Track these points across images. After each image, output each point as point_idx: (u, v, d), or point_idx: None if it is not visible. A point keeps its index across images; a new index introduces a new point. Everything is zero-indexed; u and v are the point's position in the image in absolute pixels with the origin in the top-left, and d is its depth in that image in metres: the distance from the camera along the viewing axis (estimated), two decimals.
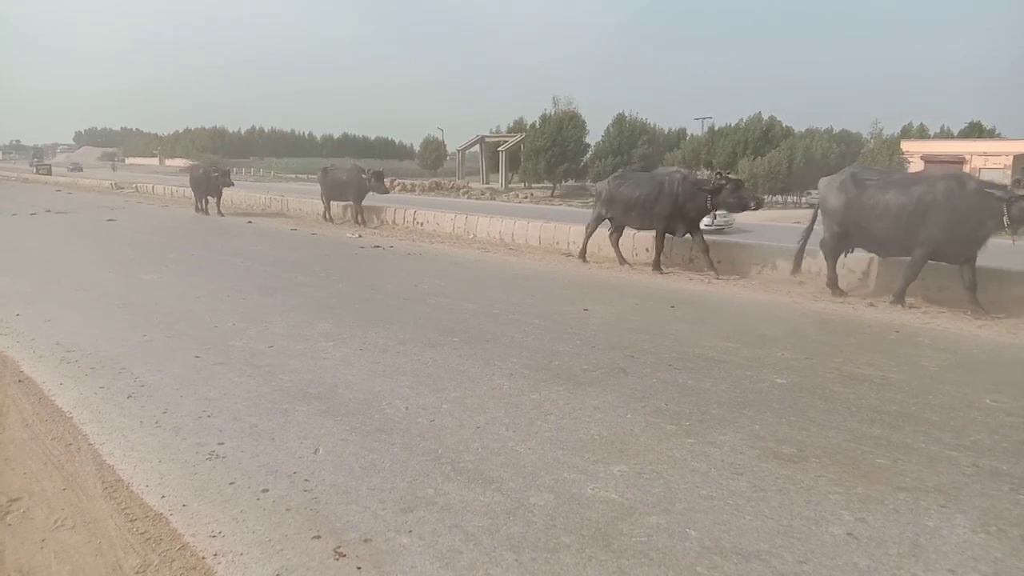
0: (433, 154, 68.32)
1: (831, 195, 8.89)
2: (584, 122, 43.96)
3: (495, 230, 14.94)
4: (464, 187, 44.54)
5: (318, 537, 3.12)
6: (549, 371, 5.54)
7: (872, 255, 9.10)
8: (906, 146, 40.74)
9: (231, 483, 3.64)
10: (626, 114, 42.12)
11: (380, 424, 4.43)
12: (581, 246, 12.14)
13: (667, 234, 10.84)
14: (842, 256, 9.21)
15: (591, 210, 12.99)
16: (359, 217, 17.70)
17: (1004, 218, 7.46)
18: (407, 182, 45.70)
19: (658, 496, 3.49)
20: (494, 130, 53.84)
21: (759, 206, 10.94)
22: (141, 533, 3.18)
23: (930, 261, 8.55)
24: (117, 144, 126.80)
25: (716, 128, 43.12)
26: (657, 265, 10.89)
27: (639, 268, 11.21)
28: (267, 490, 3.56)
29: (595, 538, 3.10)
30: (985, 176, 22.55)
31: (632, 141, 40.45)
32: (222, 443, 4.13)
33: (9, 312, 7.48)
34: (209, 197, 20.39)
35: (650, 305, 8.41)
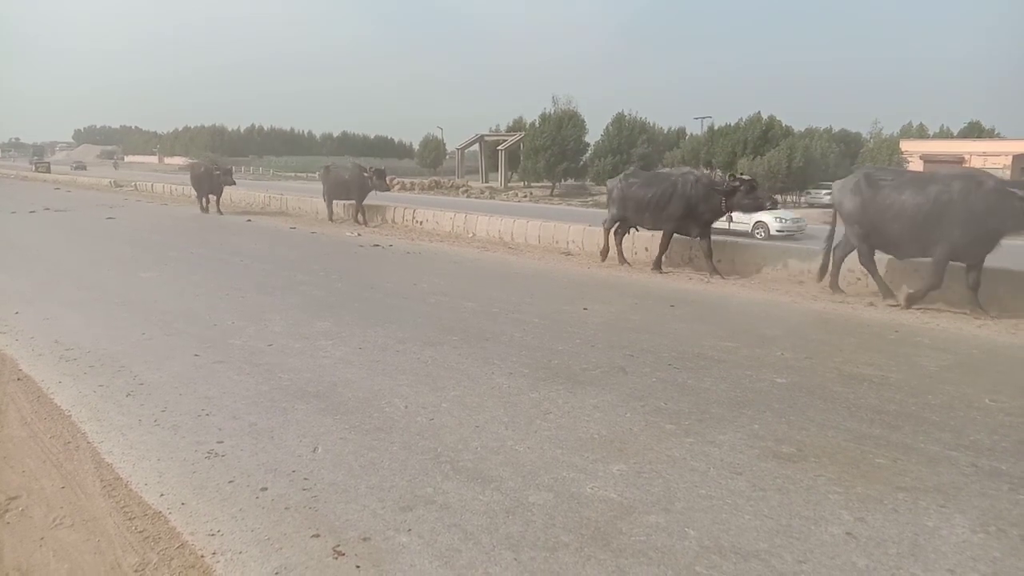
0: (432, 153, 68.28)
1: (846, 198, 8.70)
2: (583, 121, 43.98)
3: (494, 229, 14.93)
4: (463, 186, 44.52)
5: (317, 536, 3.11)
6: (548, 370, 5.53)
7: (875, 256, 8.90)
8: (905, 146, 40.77)
9: (230, 481, 3.63)
10: (625, 113, 42.10)
11: (379, 423, 4.42)
12: (603, 246, 11.73)
13: (680, 235, 10.65)
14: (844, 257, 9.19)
15: (605, 210, 12.93)
16: (359, 216, 17.69)
17: None
18: (406, 181, 45.68)
19: (657, 495, 3.49)
20: (493, 129, 53.84)
21: (774, 207, 10.82)
22: (140, 531, 3.17)
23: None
24: (116, 142, 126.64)
25: (715, 128, 43.11)
26: (658, 265, 10.82)
27: (638, 267, 11.21)
28: (266, 488, 3.55)
29: (594, 537, 3.10)
30: None
31: (631, 140, 40.42)
32: (221, 441, 4.13)
33: (8, 310, 7.47)
34: (210, 195, 20.36)
35: (649, 304, 8.41)
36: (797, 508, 3.36)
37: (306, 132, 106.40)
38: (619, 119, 41.68)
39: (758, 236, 18.19)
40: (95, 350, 6.00)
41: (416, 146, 75.79)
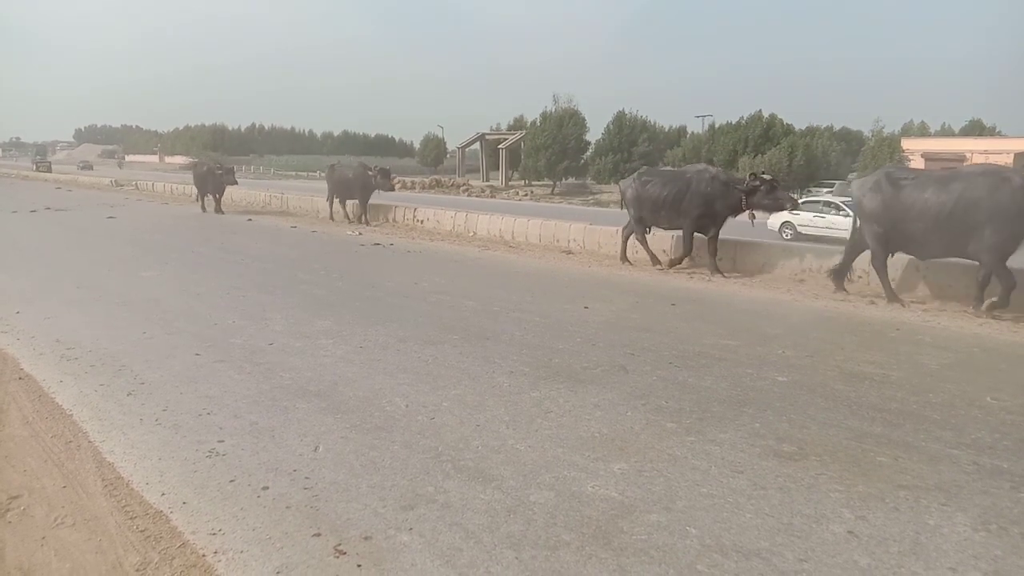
0: (433, 152, 68.34)
1: (866, 196, 8.43)
2: (584, 120, 44.04)
3: (495, 228, 14.93)
4: (464, 185, 44.51)
5: (318, 535, 3.11)
6: (549, 369, 5.53)
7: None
8: (907, 144, 40.74)
9: (231, 481, 3.63)
10: (626, 112, 42.12)
11: (380, 422, 4.42)
12: (643, 251, 11.28)
13: (698, 233, 10.47)
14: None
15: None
16: (364, 216, 17.66)
17: None
18: (407, 179, 45.67)
19: (658, 494, 3.48)
20: (494, 128, 53.93)
21: (794, 207, 10.50)
22: (141, 531, 3.17)
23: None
24: (117, 142, 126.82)
25: (716, 126, 43.12)
26: (677, 264, 10.57)
27: (639, 266, 11.21)
28: (267, 488, 3.55)
29: (595, 536, 3.10)
30: None
31: (632, 139, 40.45)
32: (222, 440, 4.13)
33: (9, 310, 7.47)
34: (212, 194, 20.34)
35: (650, 303, 8.40)
36: (798, 506, 3.36)
37: (307, 131, 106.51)
38: (620, 117, 41.71)
39: (786, 236, 17.71)
40: (96, 349, 6.00)
41: (417, 145, 75.88)
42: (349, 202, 18.17)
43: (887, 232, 8.26)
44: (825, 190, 34.87)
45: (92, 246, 13.37)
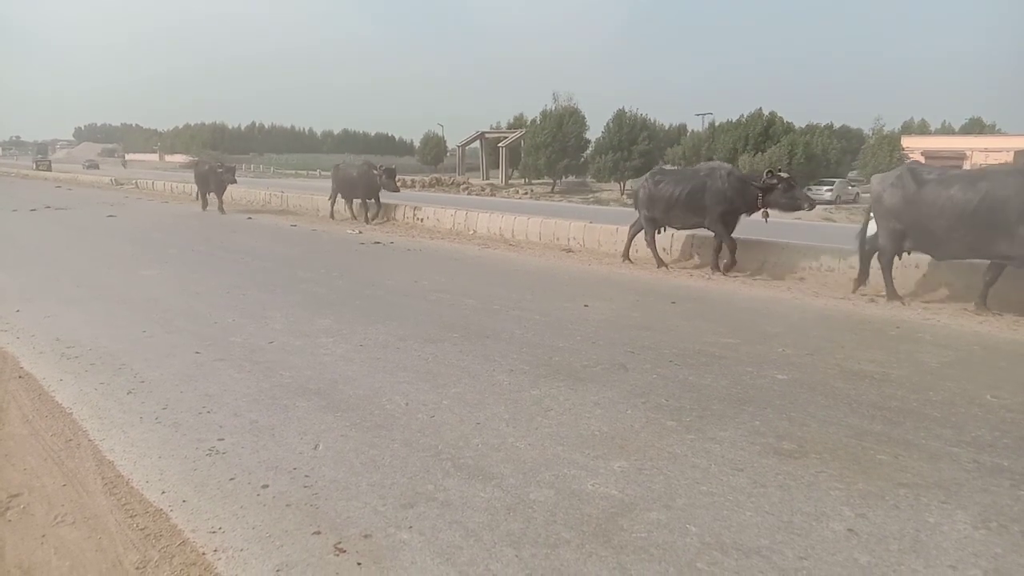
0: (433, 150, 68.31)
1: (887, 192, 8.23)
2: (584, 118, 43.99)
3: (495, 226, 14.92)
4: (464, 183, 44.49)
5: (318, 533, 3.11)
6: (549, 367, 5.53)
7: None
8: (907, 142, 40.75)
9: (231, 479, 3.63)
10: (626, 110, 42.07)
11: (380, 420, 4.42)
12: (653, 254, 11.03)
13: (702, 229, 10.30)
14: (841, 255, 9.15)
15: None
16: (366, 215, 17.62)
17: None
18: (407, 178, 45.57)
19: (658, 492, 3.48)
20: (494, 126, 53.87)
21: (812, 207, 10.22)
22: (141, 529, 3.17)
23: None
24: (117, 140, 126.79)
25: (717, 124, 43.08)
26: (728, 267, 10.18)
27: (639, 264, 11.20)
28: (267, 486, 3.55)
29: (595, 534, 3.10)
30: None
31: (632, 137, 40.38)
32: (222, 439, 4.13)
33: (9, 308, 7.47)
34: (213, 193, 20.31)
35: (651, 301, 8.40)
36: (798, 504, 3.35)
37: (307, 130, 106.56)
38: (620, 116, 41.65)
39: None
40: (96, 348, 6.00)
41: (417, 143, 75.83)
42: (355, 201, 18.13)
43: (906, 230, 8.07)
44: (825, 188, 34.90)
45: (92, 245, 13.36)
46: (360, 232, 15.66)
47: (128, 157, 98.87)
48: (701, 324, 7.10)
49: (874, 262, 8.70)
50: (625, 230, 11.76)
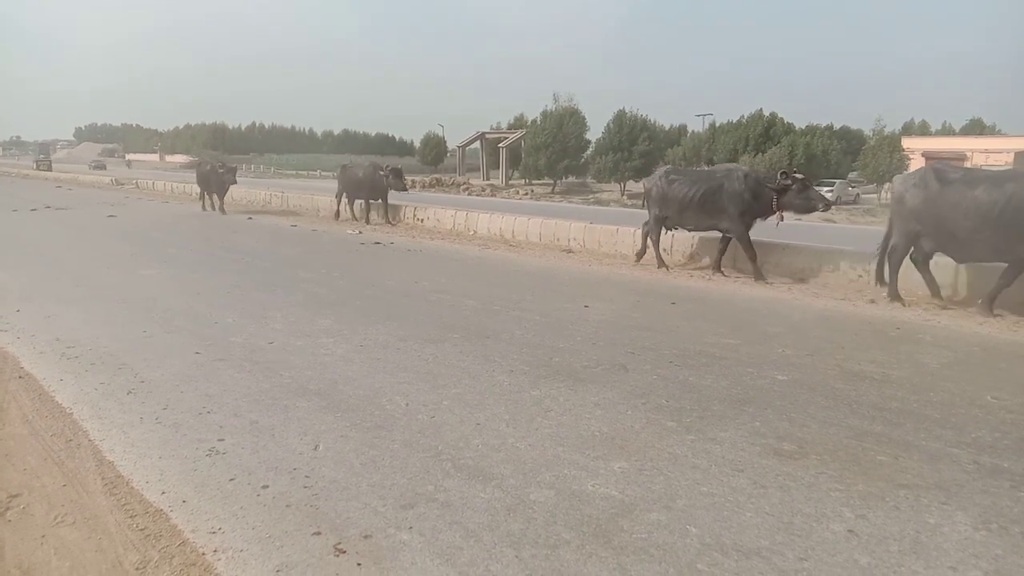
0: (433, 150, 68.32)
1: (909, 192, 8.01)
2: (584, 118, 44.04)
3: (496, 226, 14.92)
4: (465, 183, 44.50)
5: (318, 533, 3.11)
6: (549, 367, 5.53)
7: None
8: (907, 143, 40.73)
9: (231, 479, 3.63)
10: (626, 111, 42.10)
11: (380, 420, 4.42)
12: (654, 254, 10.91)
13: (725, 231, 10.13)
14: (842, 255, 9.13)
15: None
16: (367, 216, 17.59)
17: None
18: (408, 178, 45.62)
19: (659, 493, 3.48)
20: (495, 126, 53.94)
21: (828, 208, 10.03)
22: (141, 529, 3.17)
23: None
24: (117, 140, 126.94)
25: (717, 125, 43.12)
26: (759, 274, 9.84)
27: (641, 265, 11.20)
28: (267, 486, 3.55)
29: (595, 535, 3.10)
30: None
31: (633, 138, 40.41)
32: (222, 439, 4.13)
33: (9, 308, 7.47)
34: (215, 193, 20.30)
35: (651, 301, 8.40)
36: (798, 505, 3.35)
37: (307, 130, 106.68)
38: (620, 116, 41.69)
39: None
40: (96, 348, 6.00)
41: (417, 144, 75.85)
42: (357, 201, 18.10)
43: (926, 231, 7.89)
44: (826, 189, 34.89)
45: (92, 244, 13.36)
46: (360, 232, 15.66)
47: (128, 157, 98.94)
48: (701, 325, 7.10)
49: (866, 263, 8.54)
50: (625, 230, 11.76)
